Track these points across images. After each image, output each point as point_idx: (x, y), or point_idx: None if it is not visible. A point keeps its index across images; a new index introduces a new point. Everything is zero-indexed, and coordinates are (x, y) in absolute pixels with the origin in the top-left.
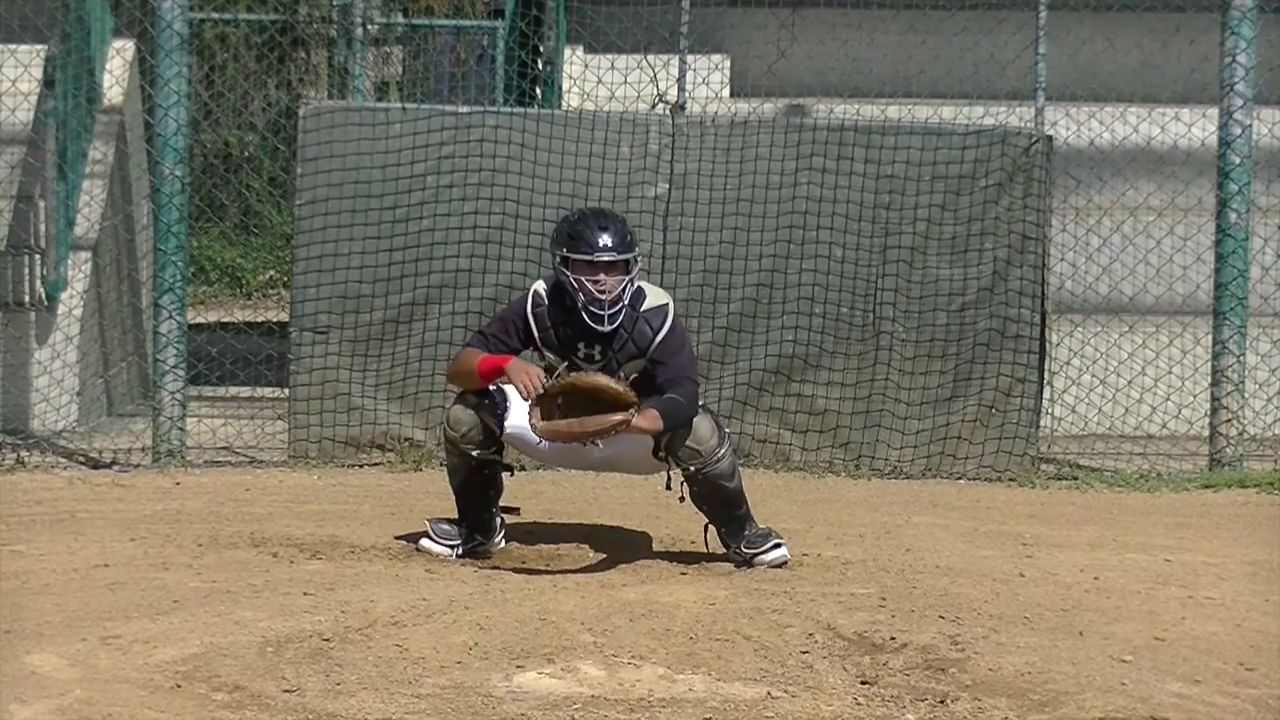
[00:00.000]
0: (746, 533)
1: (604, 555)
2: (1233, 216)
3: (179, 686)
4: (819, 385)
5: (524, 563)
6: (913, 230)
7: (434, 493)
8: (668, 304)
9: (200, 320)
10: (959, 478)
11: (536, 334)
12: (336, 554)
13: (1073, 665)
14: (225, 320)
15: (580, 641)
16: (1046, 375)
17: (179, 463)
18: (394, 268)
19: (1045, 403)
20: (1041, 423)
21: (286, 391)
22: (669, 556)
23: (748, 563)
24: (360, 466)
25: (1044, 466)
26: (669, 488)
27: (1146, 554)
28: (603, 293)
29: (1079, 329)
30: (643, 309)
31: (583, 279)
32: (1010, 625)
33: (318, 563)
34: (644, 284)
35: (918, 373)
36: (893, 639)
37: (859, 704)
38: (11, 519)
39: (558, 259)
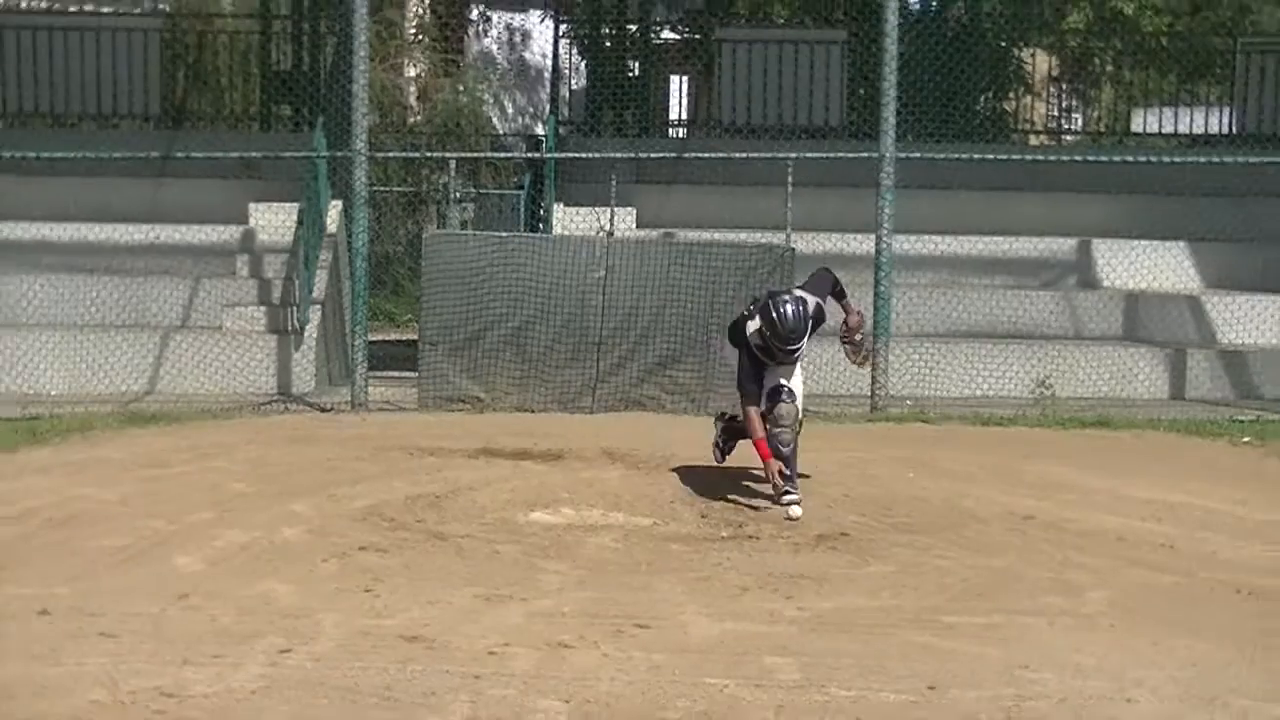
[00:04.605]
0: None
1: (573, 455)
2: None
3: (365, 519)
4: (680, 369)
5: (538, 460)
6: (725, 294)
7: (483, 427)
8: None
9: (375, 338)
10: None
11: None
12: (441, 454)
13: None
14: (387, 339)
15: (561, 497)
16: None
17: (365, 410)
18: (471, 311)
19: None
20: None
21: (418, 373)
22: (607, 455)
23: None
24: (453, 411)
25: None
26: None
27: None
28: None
29: None
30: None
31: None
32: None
33: (433, 458)
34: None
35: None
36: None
37: (699, 527)
38: (281, 439)
39: (767, 332)
